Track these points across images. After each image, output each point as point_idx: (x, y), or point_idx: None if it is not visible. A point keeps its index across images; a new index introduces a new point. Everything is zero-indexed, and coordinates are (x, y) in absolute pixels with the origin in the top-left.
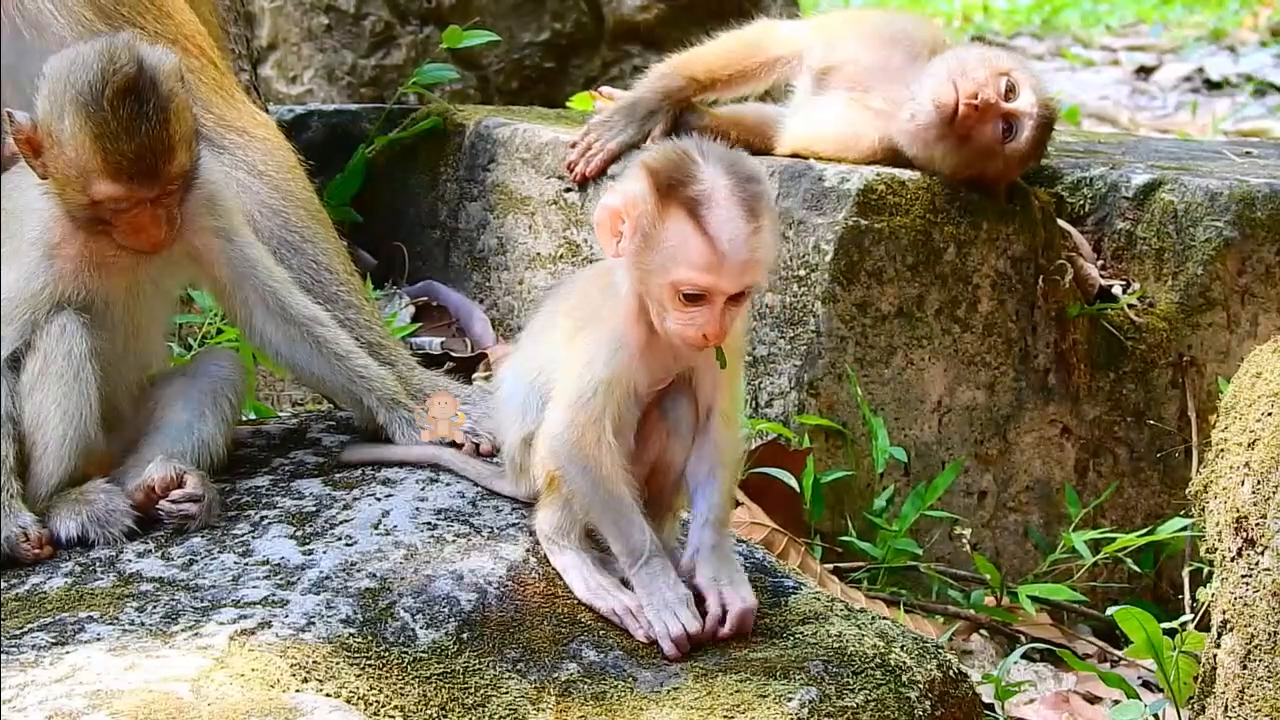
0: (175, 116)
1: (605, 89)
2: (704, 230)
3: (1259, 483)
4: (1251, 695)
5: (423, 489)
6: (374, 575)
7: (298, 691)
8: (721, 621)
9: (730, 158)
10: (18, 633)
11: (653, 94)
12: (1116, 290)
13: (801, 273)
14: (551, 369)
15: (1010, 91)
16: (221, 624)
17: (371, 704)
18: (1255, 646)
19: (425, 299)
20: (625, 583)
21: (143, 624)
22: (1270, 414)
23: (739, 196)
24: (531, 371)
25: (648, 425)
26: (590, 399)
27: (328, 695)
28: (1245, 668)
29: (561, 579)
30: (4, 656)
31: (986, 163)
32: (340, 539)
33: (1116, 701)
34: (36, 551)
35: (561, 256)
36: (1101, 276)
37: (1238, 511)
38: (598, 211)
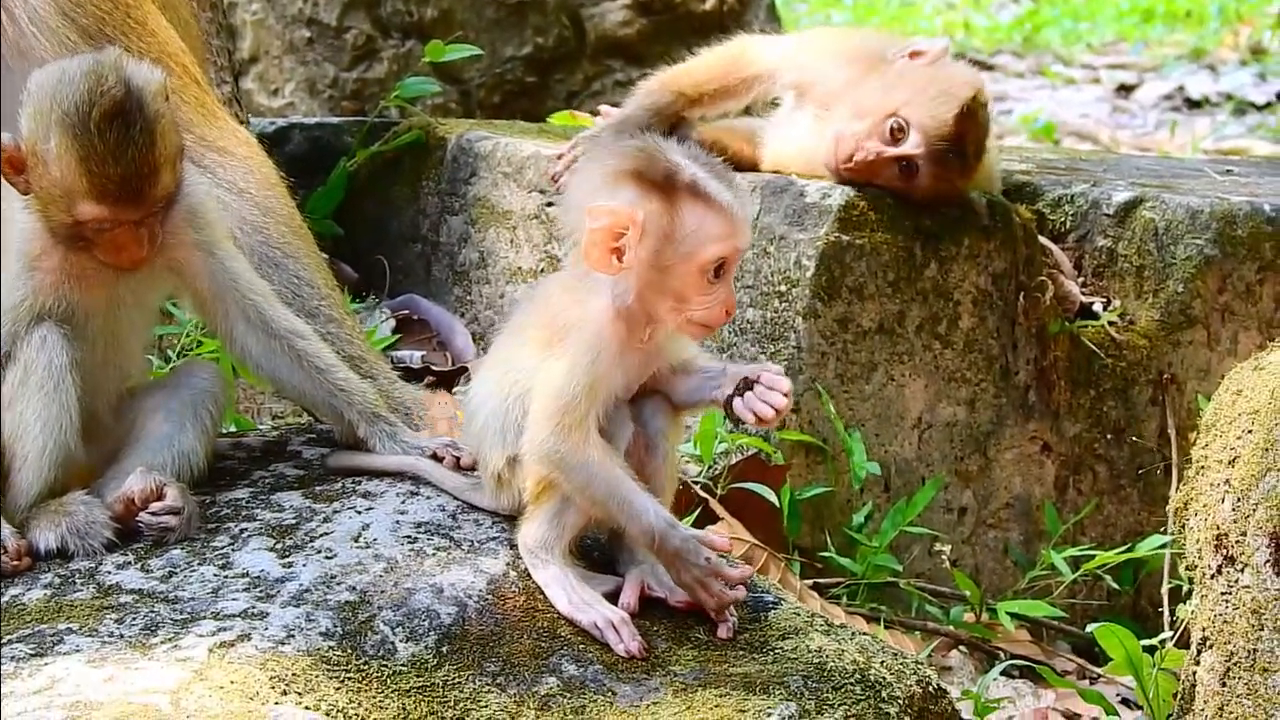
0: (161, 138)
1: (603, 107)
2: (717, 203)
3: (1239, 500)
4: (1231, 713)
5: (403, 502)
6: (354, 588)
7: (277, 704)
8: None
9: (663, 138)
10: None
11: (643, 111)
12: (1097, 307)
13: (782, 288)
14: (528, 382)
15: (899, 132)
16: (201, 636)
17: (350, 717)
18: (1235, 664)
19: (406, 312)
20: (609, 596)
21: (122, 636)
22: (1251, 431)
23: (712, 161)
24: (507, 386)
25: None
26: (575, 402)
27: (307, 708)
28: (1225, 685)
29: (541, 593)
30: None
31: (910, 193)
32: (320, 552)
33: (1096, 719)
34: (15, 563)
35: (542, 270)
36: (1082, 294)
37: (1218, 529)
38: (586, 238)
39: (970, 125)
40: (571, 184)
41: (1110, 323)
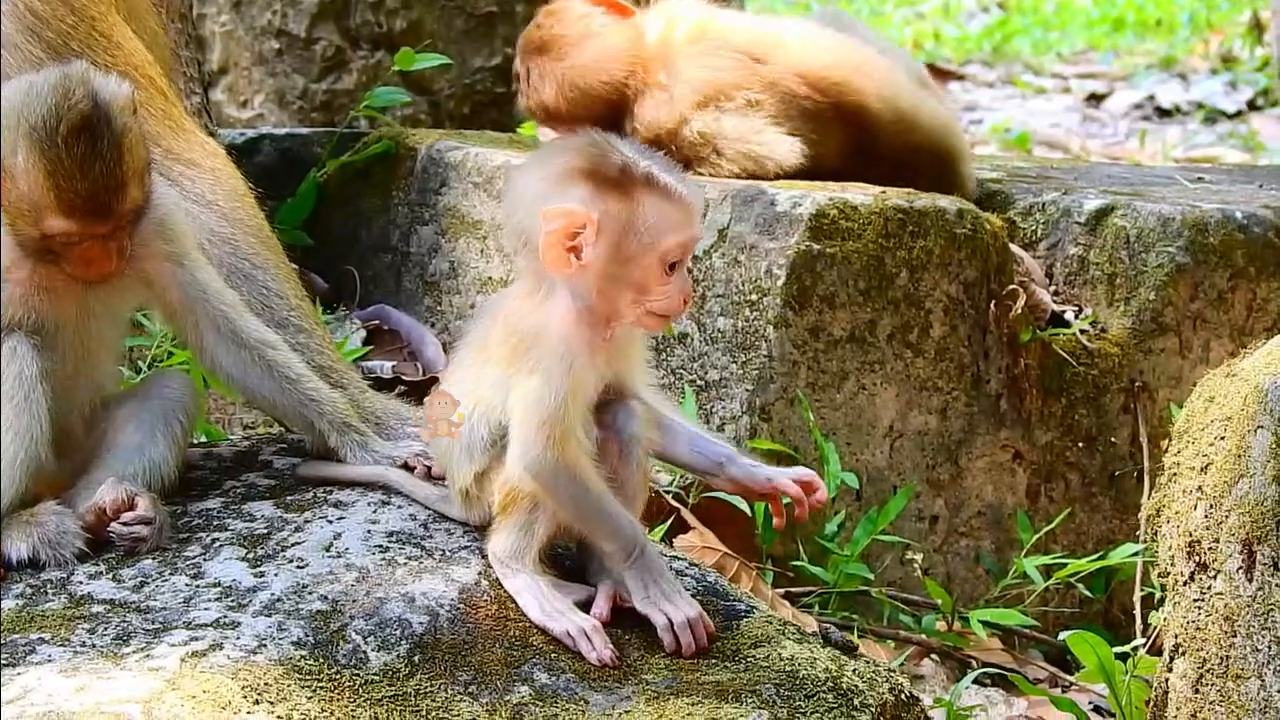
0: (129, 152)
1: None
2: (674, 194)
3: (1211, 507)
4: (1204, 719)
5: (374, 511)
6: (325, 598)
7: (249, 713)
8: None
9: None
10: None
11: None
12: (1069, 315)
13: (753, 297)
14: (494, 400)
15: None
16: (173, 646)
17: None
18: (1207, 670)
19: (376, 323)
20: (580, 605)
21: (94, 646)
22: (1223, 438)
23: (657, 154)
24: (471, 404)
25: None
26: (561, 411)
27: (279, 717)
28: (1197, 692)
29: (513, 602)
30: None
31: None
32: (292, 561)
33: None
34: None
35: (513, 280)
36: (1054, 302)
37: (1190, 536)
38: (543, 240)
39: None
40: (516, 190)
41: (1082, 331)
